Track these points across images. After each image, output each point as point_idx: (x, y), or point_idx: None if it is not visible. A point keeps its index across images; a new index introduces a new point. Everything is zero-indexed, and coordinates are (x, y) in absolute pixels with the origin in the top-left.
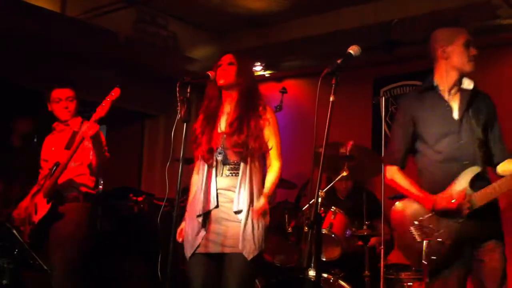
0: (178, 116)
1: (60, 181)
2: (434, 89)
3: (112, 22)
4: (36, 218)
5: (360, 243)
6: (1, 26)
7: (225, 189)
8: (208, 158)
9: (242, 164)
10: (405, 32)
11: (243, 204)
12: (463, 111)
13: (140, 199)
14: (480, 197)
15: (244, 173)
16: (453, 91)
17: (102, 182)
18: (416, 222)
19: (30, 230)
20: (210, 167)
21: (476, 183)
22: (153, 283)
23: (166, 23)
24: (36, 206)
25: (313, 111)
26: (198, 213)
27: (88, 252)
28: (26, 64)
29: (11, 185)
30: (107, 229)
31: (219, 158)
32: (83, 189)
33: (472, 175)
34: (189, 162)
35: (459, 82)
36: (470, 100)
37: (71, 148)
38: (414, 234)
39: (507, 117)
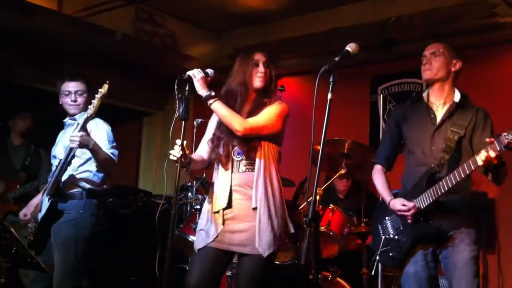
0: (176, 114)
1: (63, 178)
2: (421, 101)
3: (110, 20)
4: (40, 216)
5: (358, 240)
6: None
7: (241, 186)
8: (226, 162)
9: (257, 159)
10: (403, 30)
11: (260, 200)
12: (443, 120)
13: (137, 197)
14: (420, 202)
15: (260, 168)
16: (445, 104)
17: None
18: (387, 218)
19: (34, 228)
20: (225, 165)
21: (431, 182)
22: (150, 281)
23: (164, 21)
24: (42, 204)
25: (311, 109)
26: (214, 210)
27: (92, 252)
28: (24, 62)
29: (10, 183)
30: (104, 227)
31: (237, 158)
32: (87, 186)
33: (428, 175)
34: None
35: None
36: (453, 111)
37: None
38: (380, 230)
39: (505, 115)
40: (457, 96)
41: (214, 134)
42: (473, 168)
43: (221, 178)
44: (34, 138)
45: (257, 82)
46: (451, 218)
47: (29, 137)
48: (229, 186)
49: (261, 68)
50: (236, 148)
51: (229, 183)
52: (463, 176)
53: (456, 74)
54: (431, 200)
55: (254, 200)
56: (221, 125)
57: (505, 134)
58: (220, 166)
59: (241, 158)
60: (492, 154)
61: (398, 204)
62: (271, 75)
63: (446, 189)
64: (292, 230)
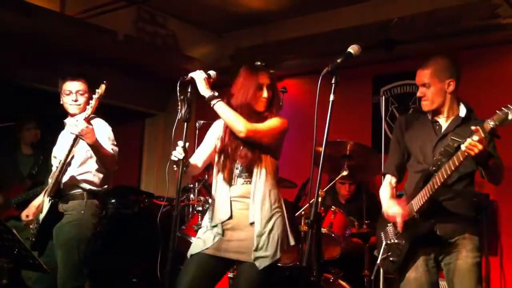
0: (179, 115)
1: (64, 179)
2: (425, 114)
3: (111, 21)
4: (41, 217)
5: (360, 242)
6: (0, 25)
7: (240, 197)
8: (227, 174)
9: (255, 172)
10: (405, 31)
11: (257, 214)
12: (447, 132)
13: (139, 198)
14: (416, 202)
15: (257, 180)
16: (449, 118)
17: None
18: (389, 225)
19: (35, 229)
20: (225, 177)
21: (427, 182)
22: (151, 282)
23: (166, 22)
24: (43, 205)
25: (313, 109)
26: (214, 223)
27: (94, 251)
28: (24, 62)
29: (15, 189)
30: (106, 228)
31: (237, 171)
32: (87, 186)
33: (425, 177)
34: None
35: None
36: (458, 124)
37: (70, 145)
38: (382, 237)
39: None
40: (462, 111)
41: (218, 147)
42: (461, 158)
43: (221, 190)
44: (42, 146)
45: (260, 107)
46: (454, 223)
47: (38, 147)
48: (228, 198)
49: (264, 93)
50: (237, 161)
51: (228, 195)
52: (453, 168)
53: (453, 91)
54: (427, 198)
55: (251, 214)
56: (225, 138)
57: (488, 120)
58: (219, 177)
59: (240, 170)
60: (476, 138)
61: (391, 208)
62: (274, 96)
63: (439, 184)
64: (293, 243)
